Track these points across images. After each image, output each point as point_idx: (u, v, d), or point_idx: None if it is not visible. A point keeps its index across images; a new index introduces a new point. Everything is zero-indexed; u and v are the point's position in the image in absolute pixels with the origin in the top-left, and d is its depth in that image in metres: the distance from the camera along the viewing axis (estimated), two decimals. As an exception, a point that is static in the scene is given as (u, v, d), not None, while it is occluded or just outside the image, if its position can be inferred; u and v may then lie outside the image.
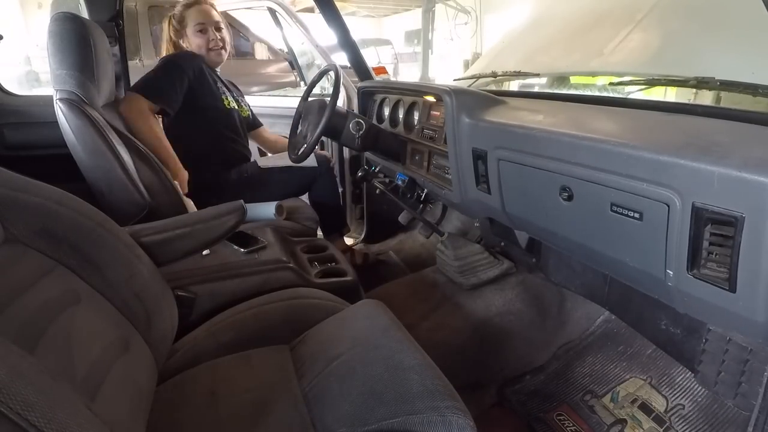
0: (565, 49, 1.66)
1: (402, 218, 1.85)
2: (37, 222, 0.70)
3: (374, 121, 1.79)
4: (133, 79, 2.02)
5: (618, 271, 0.94)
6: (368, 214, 2.18)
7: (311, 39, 2.09)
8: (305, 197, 1.90)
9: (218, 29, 1.73)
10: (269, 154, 2.06)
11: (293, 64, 2.67)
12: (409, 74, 9.82)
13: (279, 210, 1.60)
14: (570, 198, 0.89)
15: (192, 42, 1.72)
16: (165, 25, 1.78)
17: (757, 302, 0.66)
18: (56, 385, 0.47)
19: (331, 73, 1.56)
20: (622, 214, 0.79)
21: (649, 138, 0.78)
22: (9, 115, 1.68)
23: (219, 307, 1.07)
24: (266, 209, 1.57)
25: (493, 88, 1.63)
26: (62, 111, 1.26)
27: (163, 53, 1.79)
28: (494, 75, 1.63)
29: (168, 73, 1.60)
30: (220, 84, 1.76)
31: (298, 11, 2.49)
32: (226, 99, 1.75)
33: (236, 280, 1.17)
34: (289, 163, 1.57)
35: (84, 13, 1.72)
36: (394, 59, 9.66)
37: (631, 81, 1.16)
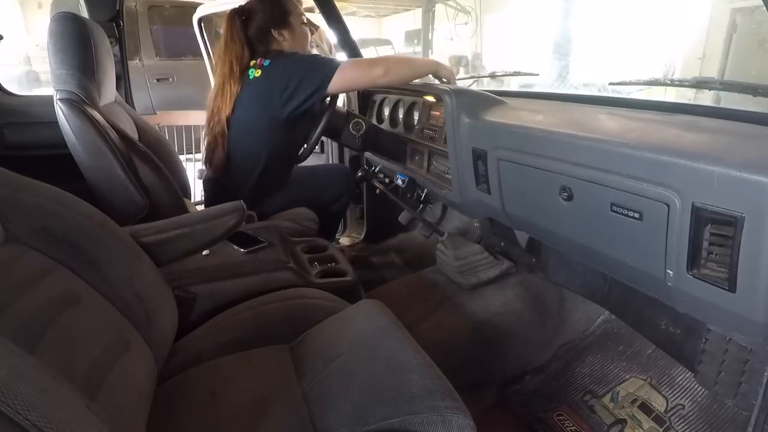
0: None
1: (402, 218, 1.85)
2: (37, 222, 0.70)
3: (374, 121, 1.79)
4: (133, 79, 2.03)
5: (618, 271, 0.94)
6: (368, 214, 2.18)
7: (311, 39, 2.09)
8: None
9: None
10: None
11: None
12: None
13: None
14: (570, 198, 0.89)
15: (296, 35, 1.49)
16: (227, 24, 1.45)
17: (757, 302, 0.66)
18: (56, 385, 0.47)
19: None
20: (622, 214, 0.79)
21: (649, 138, 0.78)
22: (9, 115, 1.68)
23: (219, 307, 1.07)
24: None
25: (493, 88, 1.63)
26: (62, 111, 1.26)
27: (219, 54, 1.47)
28: (494, 75, 1.63)
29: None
30: None
31: (298, 11, 2.47)
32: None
33: (236, 280, 1.17)
34: None
35: (84, 13, 1.72)
36: (394, 59, 9.64)
37: (631, 81, 1.16)
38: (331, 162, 2.10)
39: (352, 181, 1.82)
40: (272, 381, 0.83)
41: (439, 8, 9.00)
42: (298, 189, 1.66)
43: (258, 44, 1.48)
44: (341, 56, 1.92)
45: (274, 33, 1.46)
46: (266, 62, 1.43)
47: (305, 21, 1.52)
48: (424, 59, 1.43)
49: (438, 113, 1.42)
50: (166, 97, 3.99)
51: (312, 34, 1.57)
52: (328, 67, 1.37)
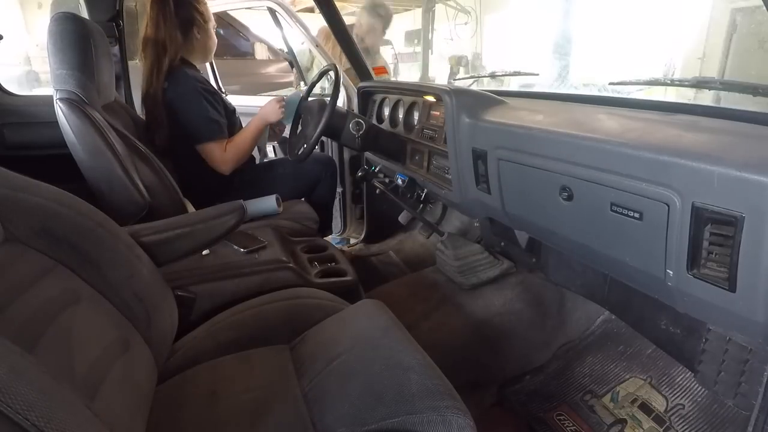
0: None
1: (402, 218, 1.85)
2: (37, 222, 0.70)
3: (374, 121, 1.79)
4: (133, 79, 2.03)
5: (618, 271, 0.94)
6: (368, 214, 2.18)
7: (311, 39, 2.09)
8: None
9: None
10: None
11: (293, 64, 2.67)
12: (409, 74, 9.81)
13: (278, 201, 1.60)
14: (570, 198, 0.89)
15: (208, 39, 1.62)
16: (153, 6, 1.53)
17: (757, 302, 0.66)
18: (56, 385, 0.47)
19: (331, 73, 1.56)
20: (622, 213, 0.79)
21: (649, 138, 0.78)
22: (9, 115, 1.67)
23: (219, 307, 1.07)
24: (267, 202, 1.57)
25: (493, 88, 1.63)
26: (62, 111, 1.26)
27: (146, 35, 1.55)
28: (494, 75, 1.63)
29: (209, 103, 1.54)
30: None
31: (298, 11, 2.48)
32: (229, 103, 1.71)
33: (236, 280, 1.17)
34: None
35: (84, 13, 1.72)
36: (394, 59, 9.65)
37: (631, 81, 1.16)
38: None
39: (332, 166, 1.84)
40: (272, 381, 0.83)
41: (439, 8, 8.99)
42: (270, 184, 1.70)
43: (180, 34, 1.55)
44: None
45: (195, 30, 1.54)
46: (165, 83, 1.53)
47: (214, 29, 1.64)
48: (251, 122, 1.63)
49: (438, 113, 1.42)
50: (165, 97, 3.98)
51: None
52: (208, 130, 1.53)
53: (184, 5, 1.54)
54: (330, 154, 2.10)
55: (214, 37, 1.67)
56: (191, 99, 1.51)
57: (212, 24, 1.64)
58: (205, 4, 1.62)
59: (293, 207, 1.65)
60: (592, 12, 6.27)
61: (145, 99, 1.57)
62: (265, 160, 1.84)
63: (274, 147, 2.26)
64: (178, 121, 1.53)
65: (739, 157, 0.64)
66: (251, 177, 1.71)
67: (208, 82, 1.62)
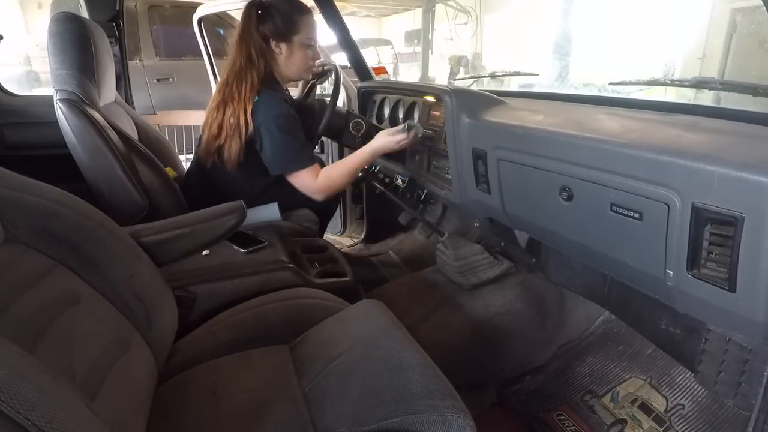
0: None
1: (402, 218, 1.85)
2: (37, 222, 0.70)
3: (374, 121, 1.79)
4: (133, 79, 2.03)
5: (618, 271, 0.94)
6: (368, 214, 2.18)
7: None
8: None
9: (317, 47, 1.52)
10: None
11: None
12: (409, 74, 9.82)
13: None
14: (570, 198, 0.89)
15: (295, 54, 1.43)
16: (245, 14, 1.40)
17: (757, 302, 0.66)
18: (57, 385, 0.47)
19: (331, 73, 1.56)
20: (621, 214, 0.79)
21: (649, 138, 0.78)
22: (9, 115, 1.68)
23: (219, 307, 1.07)
24: (270, 210, 1.57)
25: (493, 88, 1.63)
26: (62, 111, 1.26)
27: (236, 49, 1.40)
28: (494, 75, 1.63)
29: (299, 131, 1.41)
30: None
31: (298, 11, 2.47)
32: None
33: (236, 280, 1.17)
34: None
35: (84, 13, 1.72)
36: (394, 59, 9.66)
37: (631, 81, 1.17)
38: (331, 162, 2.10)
39: None
40: (272, 381, 0.83)
41: (439, 8, 9.00)
42: (277, 193, 1.59)
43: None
44: (341, 56, 1.93)
45: (272, 43, 1.41)
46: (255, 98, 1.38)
47: (311, 45, 1.46)
48: (361, 151, 1.44)
49: (438, 113, 1.42)
50: (166, 97, 3.99)
51: (314, 62, 1.51)
52: (294, 160, 1.40)
53: None
54: (330, 154, 2.10)
55: (306, 53, 1.48)
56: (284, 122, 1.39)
57: (305, 37, 1.45)
58: None
59: (294, 210, 1.65)
60: (592, 12, 6.28)
61: None
62: None
63: None
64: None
65: (739, 157, 0.65)
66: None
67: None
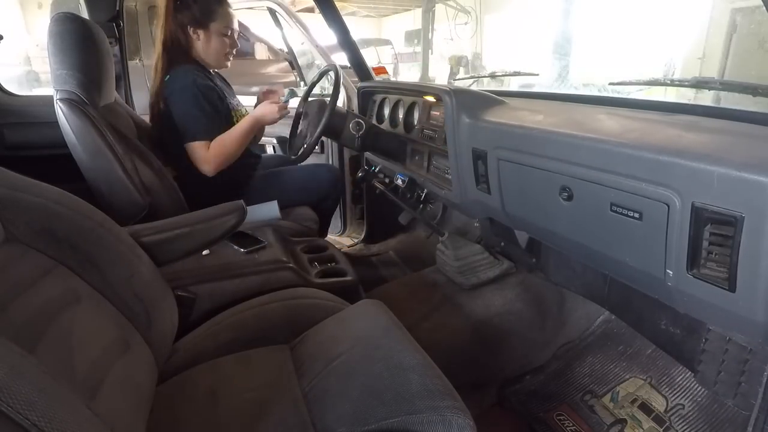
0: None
1: (402, 218, 1.85)
2: (37, 222, 0.70)
3: (374, 121, 1.79)
4: (133, 79, 2.03)
5: (618, 271, 0.94)
6: (368, 214, 2.18)
7: (311, 39, 2.09)
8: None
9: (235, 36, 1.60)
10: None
11: (293, 64, 2.67)
12: (409, 74, 9.82)
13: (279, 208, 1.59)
14: (570, 198, 0.89)
15: (212, 41, 1.51)
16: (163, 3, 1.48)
17: (757, 302, 0.66)
18: (57, 385, 0.47)
19: (331, 73, 1.56)
20: (621, 214, 0.79)
21: (649, 138, 0.78)
22: (9, 115, 1.67)
23: (219, 307, 1.07)
24: (270, 208, 1.57)
25: (493, 88, 1.63)
26: (62, 111, 1.26)
27: (158, 35, 1.49)
28: (494, 75, 1.63)
29: (208, 103, 1.47)
30: (226, 89, 1.65)
31: (298, 11, 2.49)
32: (238, 112, 1.63)
33: (236, 280, 1.17)
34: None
35: (84, 14, 1.72)
36: (394, 59, 9.66)
37: (631, 81, 1.17)
38: (330, 162, 2.10)
39: (341, 181, 1.81)
40: (272, 381, 0.83)
41: (439, 8, 9.00)
42: (277, 190, 1.65)
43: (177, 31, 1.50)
44: (341, 56, 1.93)
45: (190, 30, 1.49)
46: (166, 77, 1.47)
47: (229, 34, 1.53)
48: (245, 120, 1.50)
49: (438, 113, 1.42)
50: (166, 97, 3.98)
51: (232, 50, 1.58)
52: (193, 131, 1.45)
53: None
54: (330, 154, 2.10)
55: (222, 40, 1.57)
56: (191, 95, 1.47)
57: (222, 26, 1.54)
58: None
59: (294, 209, 1.65)
60: (592, 12, 6.28)
61: None
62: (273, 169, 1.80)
63: (274, 146, 2.26)
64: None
65: (739, 157, 0.65)
66: (260, 184, 1.68)
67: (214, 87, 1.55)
